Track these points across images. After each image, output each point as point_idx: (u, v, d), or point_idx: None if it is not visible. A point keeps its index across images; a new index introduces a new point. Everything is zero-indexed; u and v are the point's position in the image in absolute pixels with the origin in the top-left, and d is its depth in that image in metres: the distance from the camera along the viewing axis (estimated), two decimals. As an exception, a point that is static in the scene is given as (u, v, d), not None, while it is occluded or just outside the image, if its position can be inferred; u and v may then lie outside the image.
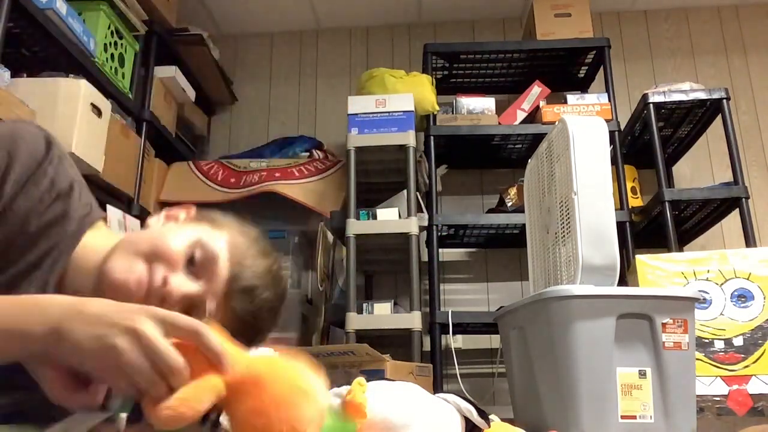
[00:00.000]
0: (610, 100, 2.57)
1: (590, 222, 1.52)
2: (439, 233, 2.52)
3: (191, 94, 2.74)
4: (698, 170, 2.95)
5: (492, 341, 2.76)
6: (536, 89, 2.63)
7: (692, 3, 3.14)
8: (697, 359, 1.74)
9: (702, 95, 2.38)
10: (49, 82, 1.83)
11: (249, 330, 0.79)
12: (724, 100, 2.35)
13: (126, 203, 2.21)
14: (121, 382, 0.57)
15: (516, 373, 1.75)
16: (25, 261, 0.73)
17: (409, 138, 2.32)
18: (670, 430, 1.42)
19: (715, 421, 1.73)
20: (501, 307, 2.17)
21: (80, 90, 1.84)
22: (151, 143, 2.45)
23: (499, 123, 2.60)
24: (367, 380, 1.26)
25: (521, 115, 2.62)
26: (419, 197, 2.44)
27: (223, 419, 0.63)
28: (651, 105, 2.37)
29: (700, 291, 1.84)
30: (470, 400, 1.32)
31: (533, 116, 2.62)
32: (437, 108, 2.56)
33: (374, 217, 2.26)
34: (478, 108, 2.64)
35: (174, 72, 2.58)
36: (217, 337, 0.61)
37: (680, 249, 2.49)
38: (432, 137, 2.55)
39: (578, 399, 1.40)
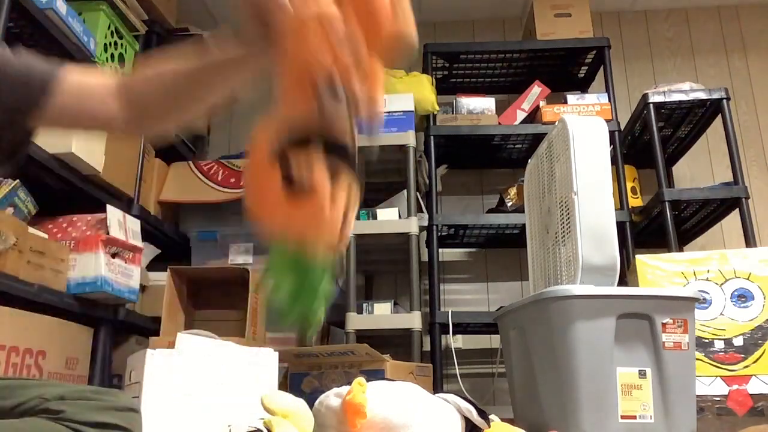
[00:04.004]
0: (610, 100, 2.57)
1: (590, 222, 1.52)
2: (439, 233, 2.52)
3: (191, 94, 2.73)
4: (698, 170, 2.94)
5: (492, 341, 2.76)
6: (536, 89, 2.63)
7: (692, 3, 3.14)
8: (697, 359, 1.74)
9: (702, 95, 2.38)
10: (49, 82, 1.82)
11: None
12: (724, 100, 2.35)
13: (126, 203, 2.20)
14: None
15: (516, 373, 1.76)
16: None
17: (409, 138, 2.32)
18: (670, 430, 1.42)
19: (715, 421, 1.73)
20: (501, 307, 2.17)
21: (80, 90, 1.83)
22: (151, 143, 2.45)
23: (499, 123, 2.60)
24: (367, 380, 1.26)
25: (521, 115, 2.62)
26: (419, 197, 2.44)
27: None
28: (651, 105, 2.37)
29: (700, 291, 1.84)
30: (470, 400, 1.32)
31: (533, 116, 2.62)
32: (437, 108, 2.56)
33: (374, 217, 2.26)
34: (478, 108, 2.64)
35: (174, 72, 2.57)
36: None
37: (680, 249, 2.49)
38: (432, 137, 2.55)
39: (578, 399, 1.40)
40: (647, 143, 2.46)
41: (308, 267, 0.58)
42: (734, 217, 2.32)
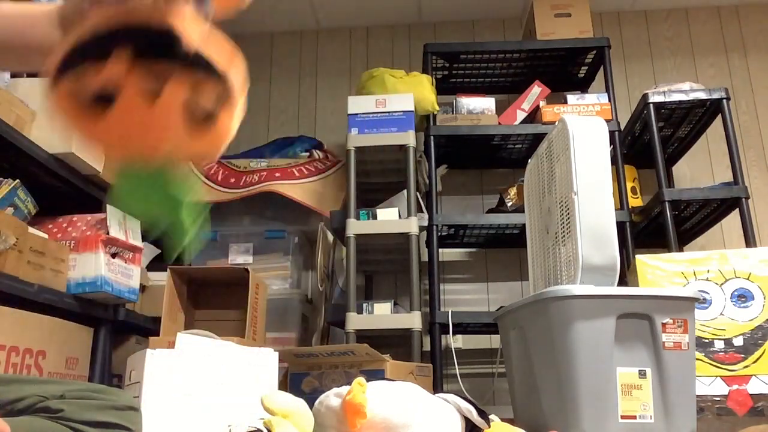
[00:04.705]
0: (610, 100, 2.57)
1: (590, 222, 1.52)
2: (439, 233, 2.52)
3: (191, 94, 2.73)
4: (698, 170, 2.95)
5: (492, 341, 2.76)
6: (536, 89, 2.63)
7: (692, 3, 3.14)
8: (697, 359, 1.74)
9: (702, 95, 2.38)
10: (49, 82, 1.82)
11: None
12: (724, 100, 2.35)
13: (126, 203, 2.20)
14: None
15: (516, 373, 1.75)
16: None
17: (409, 138, 2.32)
18: (670, 430, 1.42)
19: (715, 421, 1.73)
20: (501, 307, 2.17)
21: (80, 90, 1.83)
22: None
23: (499, 123, 2.60)
24: (367, 380, 1.26)
25: (521, 115, 2.62)
26: (419, 197, 2.44)
27: None
28: (651, 105, 2.37)
29: (700, 291, 1.84)
30: (470, 400, 1.32)
31: (533, 116, 2.62)
32: (437, 108, 2.56)
33: (374, 217, 2.26)
34: (478, 108, 2.64)
35: (174, 72, 2.57)
36: None
37: (680, 249, 2.49)
38: (432, 137, 2.55)
39: (578, 399, 1.40)
40: (647, 143, 2.46)
41: (152, 176, 0.52)
42: (734, 217, 2.32)
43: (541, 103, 2.59)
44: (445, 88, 2.92)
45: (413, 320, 2.12)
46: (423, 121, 2.60)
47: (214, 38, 0.51)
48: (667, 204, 2.25)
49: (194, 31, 0.49)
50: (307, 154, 2.78)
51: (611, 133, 2.41)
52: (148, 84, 0.47)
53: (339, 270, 2.59)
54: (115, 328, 1.96)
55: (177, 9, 0.49)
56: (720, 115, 2.36)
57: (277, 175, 2.58)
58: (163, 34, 0.48)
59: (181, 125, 0.49)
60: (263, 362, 1.53)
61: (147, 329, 2.13)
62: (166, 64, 0.48)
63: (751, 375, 1.76)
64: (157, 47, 0.48)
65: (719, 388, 1.76)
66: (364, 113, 2.38)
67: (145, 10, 0.48)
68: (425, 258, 2.62)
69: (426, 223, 2.42)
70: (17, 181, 1.70)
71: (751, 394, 1.74)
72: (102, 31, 0.47)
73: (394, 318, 2.17)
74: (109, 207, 1.84)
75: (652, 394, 1.43)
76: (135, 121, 0.48)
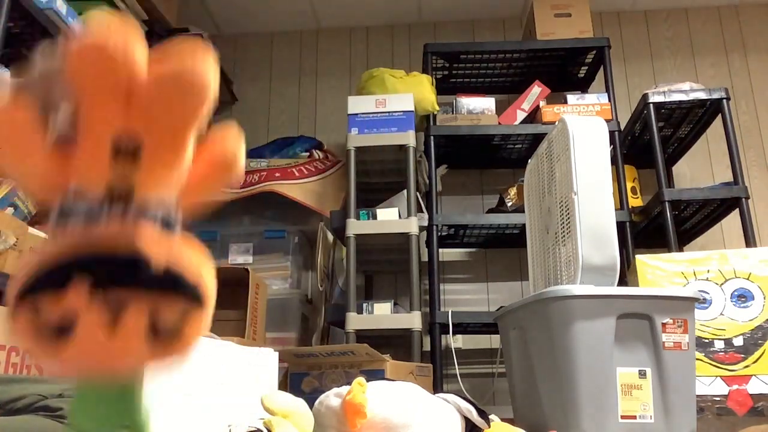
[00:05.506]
0: (610, 100, 2.57)
1: (590, 222, 1.52)
2: (439, 233, 2.52)
3: (191, 94, 2.73)
4: (698, 170, 2.95)
5: (492, 341, 2.76)
6: (536, 89, 2.63)
7: (692, 3, 3.14)
8: (697, 359, 1.74)
9: (702, 95, 2.38)
10: (49, 82, 1.82)
11: None
12: (724, 100, 2.35)
13: (126, 203, 2.21)
14: None
15: (516, 373, 1.75)
16: None
17: (409, 138, 2.32)
18: (670, 430, 1.42)
19: (715, 421, 1.73)
20: (501, 307, 2.17)
21: (80, 90, 1.83)
22: None
23: (499, 123, 2.60)
24: (367, 380, 1.26)
25: (521, 115, 2.62)
26: (419, 197, 2.44)
27: None
28: (651, 105, 2.37)
29: (700, 291, 1.84)
30: (470, 400, 1.32)
31: (533, 116, 2.63)
32: (437, 108, 2.56)
33: (374, 217, 2.27)
34: (478, 108, 2.64)
35: (174, 72, 2.57)
36: None
37: (680, 249, 2.49)
38: (432, 137, 2.55)
39: (578, 399, 1.40)
40: (647, 143, 2.46)
41: (113, 392, 0.52)
42: (734, 217, 2.32)
43: (541, 103, 2.59)
44: (445, 88, 2.92)
45: (413, 320, 2.11)
46: (423, 121, 2.60)
47: (184, 248, 0.49)
48: (667, 204, 2.25)
49: (162, 249, 0.48)
50: (307, 154, 2.78)
51: (611, 133, 2.41)
52: (108, 313, 0.46)
53: (339, 270, 2.59)
54: (115, 328, 1.96)
55: (143, 230, 0.47)
56: (720, 115, 2.36)
57: (277, 175, 2.58)
58: (128, 260, 0.46)
59: (143, 350, 0.48)
60: (263, 362, 1.53)
61: (147, 329, 2.13)
62: (128, 290, 0.47)
63: (751, 375, 1.76)
64: (120, 274, 0.46)
65: (719, 388, 1.76)
66: (364, 113, 2.38)
67: (110, 234, 0.46)
68: (425, 258, 2.62)
69: (426, 223, 2.42)
70: (17, 181, 1.70)
71: (751, 394, 1.74)
72: (63, 258, 0.46)
73: (394, 318, 2.17)
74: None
75: (652, 394, 1.43)
76: (95, 351, 0.47)
